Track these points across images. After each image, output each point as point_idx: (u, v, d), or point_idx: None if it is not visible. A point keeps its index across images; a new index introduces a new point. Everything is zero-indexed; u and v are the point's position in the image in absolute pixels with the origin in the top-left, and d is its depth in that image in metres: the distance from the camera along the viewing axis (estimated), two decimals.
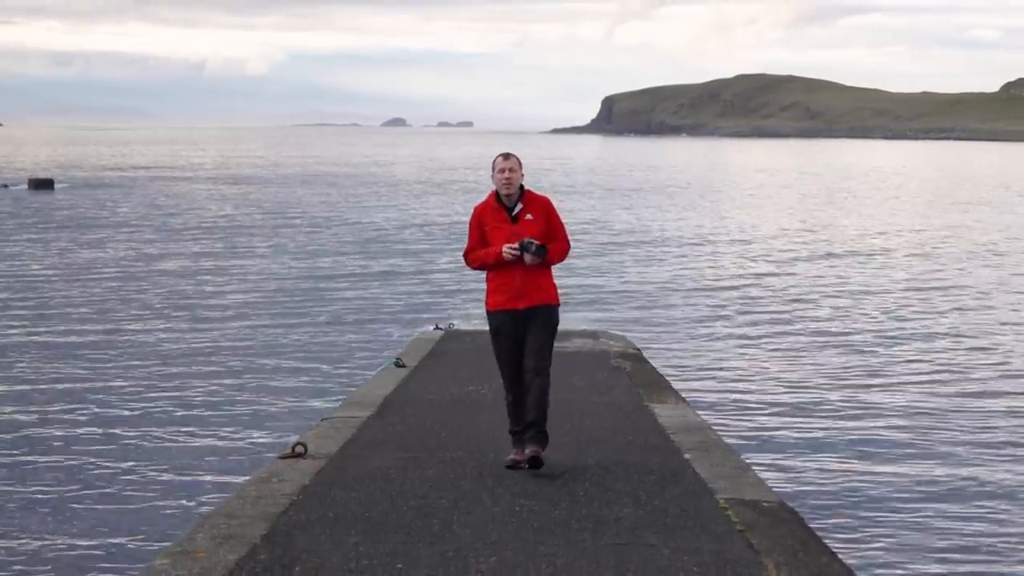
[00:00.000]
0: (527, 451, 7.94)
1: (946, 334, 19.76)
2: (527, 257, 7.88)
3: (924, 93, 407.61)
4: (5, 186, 61.84)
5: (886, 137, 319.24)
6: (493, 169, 8.17)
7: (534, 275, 8.01)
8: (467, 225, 8.34)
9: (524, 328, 8.03)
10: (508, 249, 7.90)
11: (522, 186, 8.17)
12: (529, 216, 8.09)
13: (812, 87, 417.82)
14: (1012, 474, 11.39)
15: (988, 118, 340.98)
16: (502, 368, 8.20)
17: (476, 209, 8.23)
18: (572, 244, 8.39)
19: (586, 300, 23.12)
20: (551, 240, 8.08)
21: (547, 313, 8.09)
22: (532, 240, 7.90)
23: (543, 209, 8.15)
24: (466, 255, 8.28)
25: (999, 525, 9.84)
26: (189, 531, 6.67)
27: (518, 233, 7.98)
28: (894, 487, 10.85)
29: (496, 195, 8.16)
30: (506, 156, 8.16)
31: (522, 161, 8.26)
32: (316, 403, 13.96)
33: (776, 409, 14.02)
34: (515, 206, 8.10)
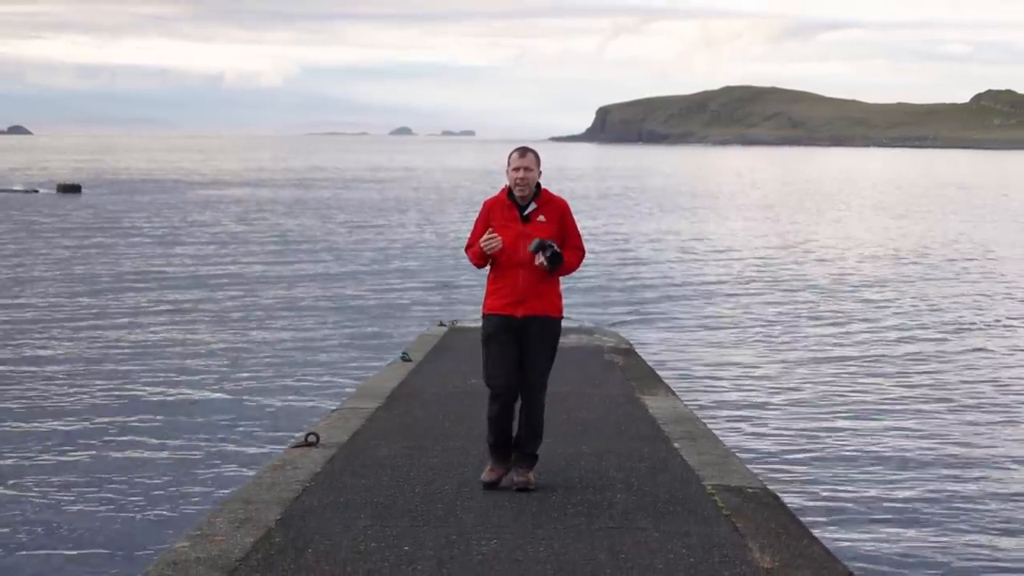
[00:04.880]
0: (516, 480, 7.03)
1: (934, 330, 19.73)
2: (537, 258, 6.82)
3: (899, 103, 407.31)
4: (36, 191, 61.87)
5: (864, 145, 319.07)
6: (508, 165, 7.02)
7: (540, 281, 6.92)
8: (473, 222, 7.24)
9: (519, 339, 6.93)
10: (485, 240, 6.85)
11: (539, 184, 7.04)
12: (542, 218, 6.96)
13: (794, 98, 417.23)
14: (994, 461, 11.35)
15: (959, 127, 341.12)
16: (488, 380, 7.04)
17: (486, 203, 7.13)
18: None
19: (581, 299, 23.09)
20: (564, 246, 6.99)
21: (548, 325, 6.98)
22: (552, 243, 6.84)
23: (558, 212, 7.02)
24: (466, 249, 7.22)
25: (983, 513, 9.80)
26: (208, 515, 6.68)
27: (528, 234, 6.89)
28: (873, 473, 10.84)
29: (509, 190, 7.04)
30: (522, 152, 6.98)
31: (540, 157, 7.10)
32: (327, 395, 13.95)
33: (760, 400, 14.02)
34: (528, 205, 6.98)
